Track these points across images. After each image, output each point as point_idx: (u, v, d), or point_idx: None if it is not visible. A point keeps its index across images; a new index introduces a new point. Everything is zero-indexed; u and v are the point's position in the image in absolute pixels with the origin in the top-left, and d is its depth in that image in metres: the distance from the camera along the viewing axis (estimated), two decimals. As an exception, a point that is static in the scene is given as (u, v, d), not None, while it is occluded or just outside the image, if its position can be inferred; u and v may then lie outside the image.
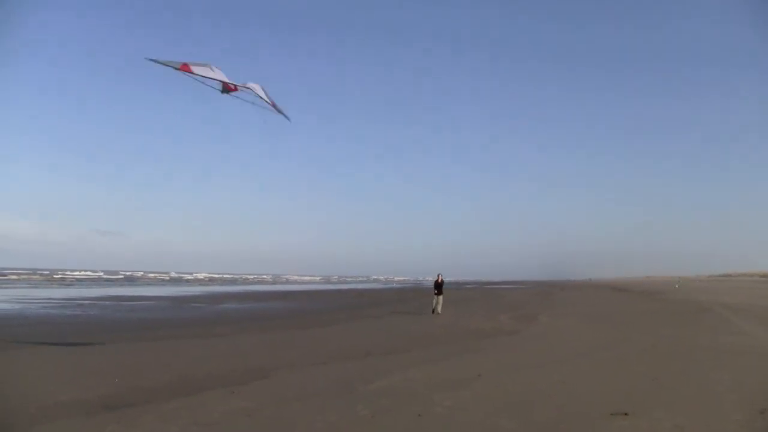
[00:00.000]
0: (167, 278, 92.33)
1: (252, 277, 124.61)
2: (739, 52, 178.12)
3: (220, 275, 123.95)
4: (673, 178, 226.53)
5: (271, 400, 7.91)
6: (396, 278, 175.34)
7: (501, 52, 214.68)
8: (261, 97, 12.01)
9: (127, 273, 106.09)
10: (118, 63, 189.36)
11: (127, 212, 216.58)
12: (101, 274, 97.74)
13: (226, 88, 11.47)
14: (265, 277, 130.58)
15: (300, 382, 9.25)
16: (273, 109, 12.50)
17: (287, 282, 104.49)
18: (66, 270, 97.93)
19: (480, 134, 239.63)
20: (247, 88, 11.90)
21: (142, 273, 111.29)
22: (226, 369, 10.45)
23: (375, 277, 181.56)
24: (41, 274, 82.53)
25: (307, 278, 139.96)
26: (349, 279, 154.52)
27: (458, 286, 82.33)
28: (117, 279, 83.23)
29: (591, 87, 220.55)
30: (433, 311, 24.30)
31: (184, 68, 9.78)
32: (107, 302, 30.76)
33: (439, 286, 24.94)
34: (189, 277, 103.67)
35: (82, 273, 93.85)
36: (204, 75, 10.26)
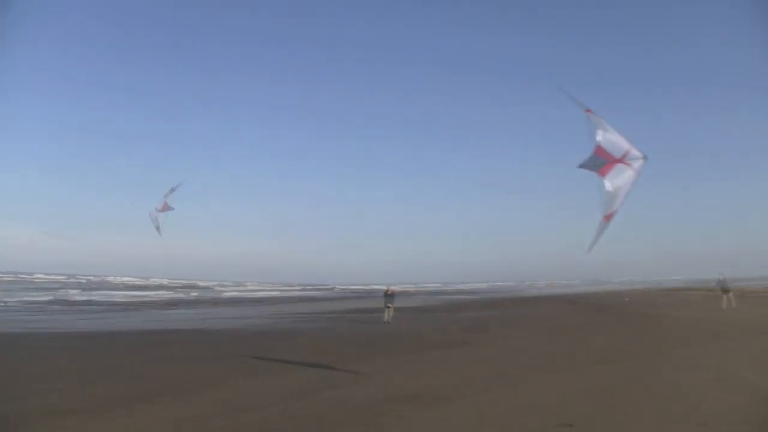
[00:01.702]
0: (124, 284, 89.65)
1: (214, 284, 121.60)
2: (736, 69, 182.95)
3: (178, 280, 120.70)
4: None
5: (220, 410, 7.90)
6: (352, 287, 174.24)
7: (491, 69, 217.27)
8: None
9: (91, 277, 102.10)
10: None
11: (88, 215, 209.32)
12: (64, 278, 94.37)
13: None
14: (227, 283, 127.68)
15: (251, 392, 9.25)
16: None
17: (247, 290, 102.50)
18: (23, 273, 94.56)
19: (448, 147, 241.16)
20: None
21: (101, 278, 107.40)
22: (178, 376, 10.34)
23: (339, 287, 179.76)
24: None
25: (268, 286, 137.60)
26: (310, 287, 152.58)
27: (411, 295, 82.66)
28: (72, 282, 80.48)
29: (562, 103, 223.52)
30: (385, 322, 24.54)
31: (589, 111, 9.48)
32: (56, 306, 29.63)
33: (389, 297, 25.45)
34: (145, 282, 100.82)
35: (41, 276, 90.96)
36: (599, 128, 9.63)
